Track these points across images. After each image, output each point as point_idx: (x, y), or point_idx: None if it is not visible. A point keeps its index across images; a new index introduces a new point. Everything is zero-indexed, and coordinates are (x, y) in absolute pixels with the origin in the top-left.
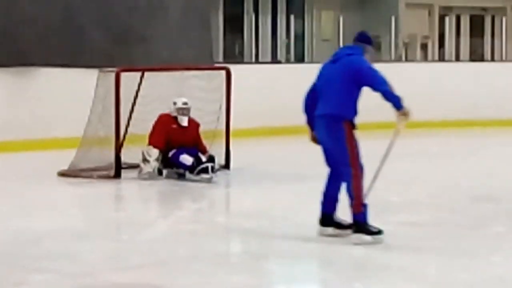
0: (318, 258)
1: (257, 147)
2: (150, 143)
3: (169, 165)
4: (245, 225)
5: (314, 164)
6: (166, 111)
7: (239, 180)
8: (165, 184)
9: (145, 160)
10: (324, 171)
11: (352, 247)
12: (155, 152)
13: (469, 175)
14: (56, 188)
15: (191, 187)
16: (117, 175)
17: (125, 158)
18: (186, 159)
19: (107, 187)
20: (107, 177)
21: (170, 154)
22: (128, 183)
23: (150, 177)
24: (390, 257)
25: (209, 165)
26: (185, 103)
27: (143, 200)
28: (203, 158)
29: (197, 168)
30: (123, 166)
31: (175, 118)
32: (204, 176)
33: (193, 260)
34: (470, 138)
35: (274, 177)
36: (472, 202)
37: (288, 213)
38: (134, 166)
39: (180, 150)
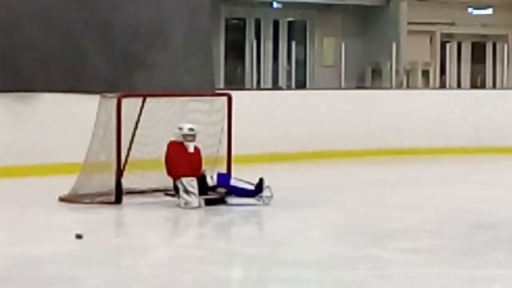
0: (318, 285)
1: (258, 173)
2: (181, 174)
3: (207, 190)
4: (246, 251)
5: (314, 190)
6: (174, 138)
7: (240, 206)
8: (166, 210)
9: (188, 191)
10: (323, 198)
11: (352, 274)
12: (196, 183)
13: (470, 202)
14: (57, 214)
15: (191, 212)
16: (118, 200)
17: (126, 183)
18: (242, 183)
19: (108, 213)
20: (108, 202)
21: (212, 180)
22: (129, 209)
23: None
24: (390, 284)
25: (269, 186)
26: (191, 129)
27: (144, 226)
28: (264, 181)
29: (262, 191)
30: (124, 192)
31: (182, 143)
32: (266, 198)
33: (195, 286)
34: (471, 165)
35: (275, 204)
36: (472, 229)
37: (289, 240)
38: (135, 192)
39: (223, 175)
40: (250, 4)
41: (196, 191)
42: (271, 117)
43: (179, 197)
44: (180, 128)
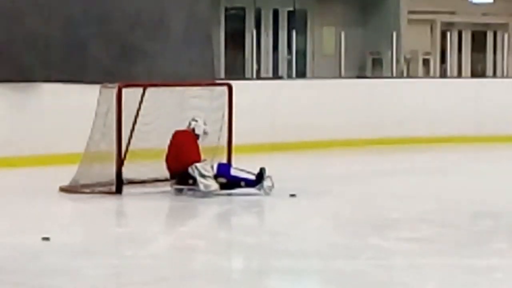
0: (319, 275)
1: (258, 163)
2: (194, 160)
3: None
4: (247, 241)
5: (314, 180)
6: (185, 128)
7: (241, 196)
8: (167, 200)
9: (204, 176)
10: (324, 187)
11: (354, 263)
12: (209, 167)
13: (471, 191)
14: (57, 204)
15: (192, 202)
16: (119, 190)
17: (126, 173)
18: (242, 173)
19: (109, 203)
20: (109, 192)
21: (212, 170)
22: (130, 199)
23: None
24: (391, 274)
25: (270, 176)
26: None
27: (145, 216)
28: (265, 171)
29: (262, 181)
30: (125, 182)
31: (197, 136)
32: (267, 187)
33: (195, 276)
34: (472, 154)
35: (276, 193)
36: (473, 218)
37: (289, 229)
38: (136, 182)
39: (223, 165)
40: None
41: (211, 174)
42: (271, 107)
43: (193, 184)
44: (206, 124)
